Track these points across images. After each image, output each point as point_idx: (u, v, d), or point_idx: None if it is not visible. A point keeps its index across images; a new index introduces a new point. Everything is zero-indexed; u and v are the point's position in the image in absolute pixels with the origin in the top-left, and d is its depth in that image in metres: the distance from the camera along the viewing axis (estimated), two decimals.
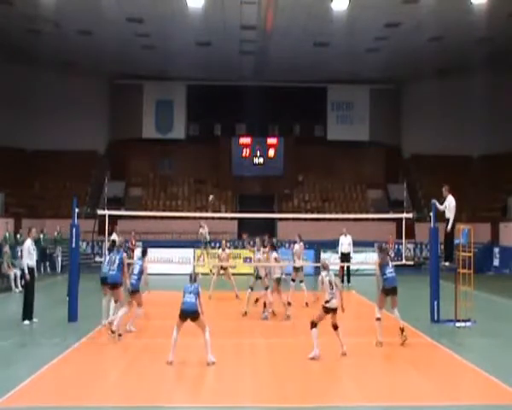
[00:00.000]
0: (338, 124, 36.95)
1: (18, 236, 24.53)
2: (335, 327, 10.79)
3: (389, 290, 12.03)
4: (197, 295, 10.11)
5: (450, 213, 14.17)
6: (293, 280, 16.52)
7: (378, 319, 11.82)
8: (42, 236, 26.28)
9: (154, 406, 8.12)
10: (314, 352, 10.48)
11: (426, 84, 34.74)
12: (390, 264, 12.23)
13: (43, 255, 26.26)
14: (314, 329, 10.56)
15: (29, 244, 14.29)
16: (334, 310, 10.68)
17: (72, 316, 13.85)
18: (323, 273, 10.86)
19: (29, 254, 14.16)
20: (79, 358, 10.66)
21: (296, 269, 16.69)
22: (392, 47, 29.07)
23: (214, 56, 30.96)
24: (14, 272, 20.05)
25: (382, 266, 12.23)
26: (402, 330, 11.85)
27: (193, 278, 10.39)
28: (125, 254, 12.84)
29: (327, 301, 10.63)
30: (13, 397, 8.20)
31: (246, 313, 14.91)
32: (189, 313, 10.06)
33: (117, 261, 12.49)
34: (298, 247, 16.97)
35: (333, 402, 8.34)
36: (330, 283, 10.70)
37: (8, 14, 25.22)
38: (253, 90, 33.94)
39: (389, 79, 35.53)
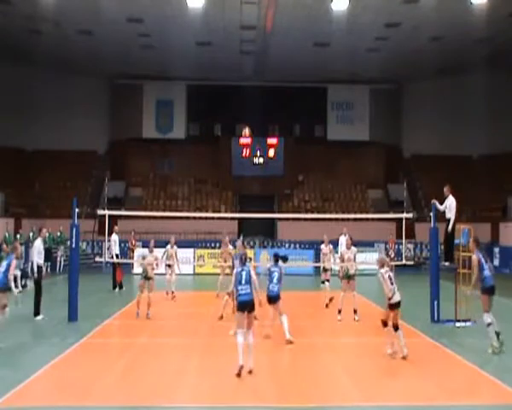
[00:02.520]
0: (338, 124, 36.96)
1: (18, 236, 24.53)
2: (396, 328, 10.61)
3: (491, 289, 11.18)
4: (250, 282, 9.81)
5: (450, 214, 14.14)
6: (328, 281, 16.49)
7: (489, 324, 11.00)
8: (47, 235, 26.36)
9: (154, 406, 8.12)
10: (391, 349, 10.66)
11: (426, 84, 34.74)
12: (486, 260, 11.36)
13: (47, 255, 26.29)
14: (387, 328, 10.68)
15: (39, 243, 14.53)
16: (397, 305, 10.65)
17: (72, 316, 13.86)
18: (383, 270, 10.73)
19: (38, 254, 14.37)
20: (79, 358, 10.65)
21: (325, 270, 16.72)
22: (392, 47, 29.09)
23: (214, 56, 30.97)
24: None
25: (481, 262, 11.22)
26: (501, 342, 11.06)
27: (244, 259, 10.18)
28: (14, 260, 11.81)
29: (389, 298, 10.63)
30: (13, 397, 8.20)
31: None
32: (247, 304, 9.71)
33: (5, 266, 11.66)
34: (325, 248, 17.01)
35: (333, 402, 8.34)
36: (390, 278, 10.71)
37: (8, 14, 25.24)
38: (253, 90, 33.95)
39: (389, 79, 35.53)
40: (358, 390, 8.80)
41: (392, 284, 10.65)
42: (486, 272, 11.12)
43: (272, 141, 35.77)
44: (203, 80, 35.18)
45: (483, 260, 11.22)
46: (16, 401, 8.08)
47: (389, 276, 10.71)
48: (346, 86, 36.25)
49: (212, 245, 27.92)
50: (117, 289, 20.02)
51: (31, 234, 25.06)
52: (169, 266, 17.99)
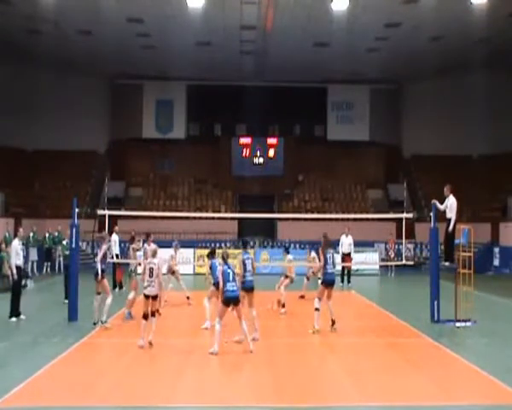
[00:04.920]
0: (338, 124, 36.97)
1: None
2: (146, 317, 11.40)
3: (330, 283, 12.72)
4: (235, 278, 10.90)
5: (451, 214, 14.12)
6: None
7: (317, 309, 12.55)
8: (47, 235, 26.37)
9: (154, 406, 8.12)
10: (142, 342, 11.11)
11: (426, 84, 34.74)
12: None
13: (47, 255, 26.30)
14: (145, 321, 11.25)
15: (16, 244, 14.40)
16: (154, 297, 11.56)
17: (72, 316, 13.85)
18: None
19: (16, 255, 14.28)
20: (79, 358, 10.65)
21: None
22: (392, 47, 29.08)
23: (214, 56, 30.96)
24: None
25: (326, 258, 12.67)
26: (333, 322, 12.80)
27: (226, 257, 11.09)
28: (104, 246, 13.42)
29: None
30: (12, 397, 8.19)
31: None
32: (233, 300, 10.78)
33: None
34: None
35: (332, 402, 8.33)
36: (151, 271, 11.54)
37: (8, 14, 25.22)
38: (253, 90, 33.92)
39: (389, 79, 35.53)
40: (358, 390, 8.79)
41: (151, 276, 11.30)
42: (329, 268, 12.66)
43: (272, 141, 35.79)
44: (203, 80, 35.16)
45: (328, 257, 12.75)
46: (16, 401, 8.08)
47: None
48: (346, 86, 36.24)
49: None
50: (117, 289, 20.01)
51: (31, 234, 25.07)
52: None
